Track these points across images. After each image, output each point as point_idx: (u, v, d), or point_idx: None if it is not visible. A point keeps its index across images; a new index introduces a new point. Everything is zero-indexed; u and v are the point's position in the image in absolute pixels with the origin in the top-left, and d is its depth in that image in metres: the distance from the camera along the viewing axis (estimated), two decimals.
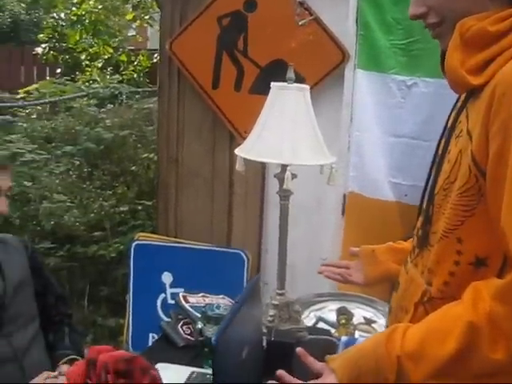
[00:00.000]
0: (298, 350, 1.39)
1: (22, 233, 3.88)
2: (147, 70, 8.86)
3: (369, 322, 2.26)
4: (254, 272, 3.13)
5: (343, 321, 2.42)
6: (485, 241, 1.14)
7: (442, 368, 1.08)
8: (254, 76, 2.96)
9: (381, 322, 2.20)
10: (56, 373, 1.83)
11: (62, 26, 9.20)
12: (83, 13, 8.66)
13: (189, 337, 1.87)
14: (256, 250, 3.13)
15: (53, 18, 9.40)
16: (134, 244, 3.28)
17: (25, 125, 5.68)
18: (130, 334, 3.28)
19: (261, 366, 1.56)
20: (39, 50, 9.04)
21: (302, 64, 2.82)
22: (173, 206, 3.23)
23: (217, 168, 3.12)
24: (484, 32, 1.15)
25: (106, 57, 8.82)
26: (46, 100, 6.32)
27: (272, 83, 1.89)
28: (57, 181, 4.23)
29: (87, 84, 7.77)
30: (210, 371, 1.65)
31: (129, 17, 8.44)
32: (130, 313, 3.28)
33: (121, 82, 8.08)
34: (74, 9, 8.76)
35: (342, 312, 2.45)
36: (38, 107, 6.81)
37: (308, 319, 2.66)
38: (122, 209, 3.95)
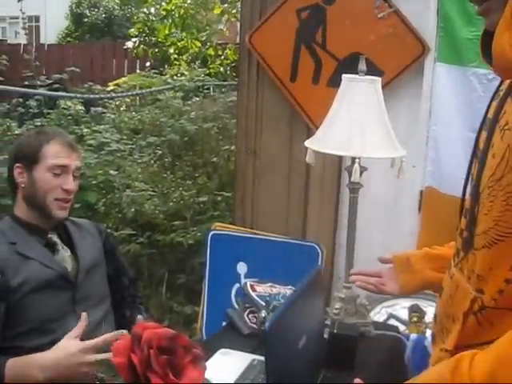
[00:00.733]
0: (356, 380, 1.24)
1: (105, 219, 4.04)
2: (234, 63, 8.98)
3: None
4: (328, 265, 3.12)
5: (415, 319, 2.39)
6: None
7: None
8: (332, 69, 2.94)
9: None
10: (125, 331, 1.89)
11: (152, 20, 9.46)
12: (172, 7, 8.87)
13: (254, 325, 1.89)
14: (330, 243, 3.12)
15: (143, 13, 9.67)
16: (210, 233, 3.34)
17: (113, 116, 5.90)
18: (204, 322, 3.35)
19: (321, 357, 1.57)
20: (130, 44, 9.34)
21: (380, 57, 2.79)
22: (250, 197, 3.27)
23: (294, 160, 3.13)
24: None
25: (194, 51, 8.99)
26: (134, 92, 6.52)
27: (343, 75, 1.88)
28: (139, 169, 4.36)
29: (174, 77, 7.96)
30: None
31: (217, 11, 8.56)
32: (205, 301, 3.35)
33: (208, 75, 8.23)
34: (163, 4, 8.98)
35: (414, 310, 2.42)
36: (127, 99, 7.06)
37: (379, 315, 2.64)
38: (201, 199, 4.02)
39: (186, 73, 8.30)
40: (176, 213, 3.93)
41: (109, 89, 7.43)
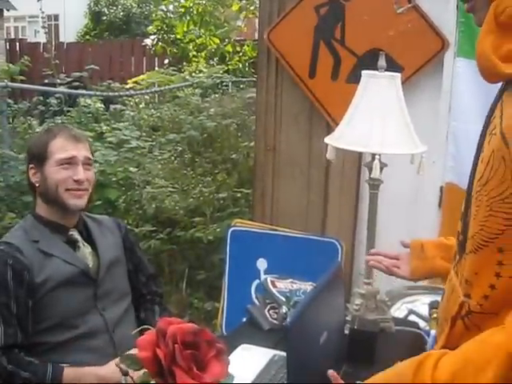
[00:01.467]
0: (330, 372, 1.27)
1: (126, 216, 4.07)
2: (252, 60, 9.00)
3: None
4: (348, 262, 3.12)
5: (435, 315, 2.38)
6: None
7: None
8: (351, 65, 2.94)
9: None
10: None
11: (171, 17, 9.50)
12: (191, 4, 8.90)
13: (275, 321, 1.90)
14: (350, 240, 3.12)
15: (162, 10, 9.72)
16: (230, 230, 3.36)
17: (132, 113, 5.94)
18: (224, 318, 3.36)
19: (341, 353, 1.58)
20: (148, 41, 9.39)
21: (400, 53, 2.78)
22: (269, 193, 3.28)
23: (313, 157, 3.13)
24: None
25: (213, 47, 9.02)
26: (153, 89, 6.56)
27: (363, 71, 1.88)
28: (159, 166, 4.39)
29: (193, 74, 8.00)
30: None
31: (235, 8, 8.58)
32: (225, 297, 3.36)
33: (226, 71, 8.26)
34: (182, 1, 9.02)
35: (434, 306, 2.40)
36: (146, 96, 7.11)
37: (399, 311, 2.63)
38: (221, 195, 4.04)
39: (204, 70, 8.34)
40: (196, 209, 3.96)
41: (127, 86, 7.49)
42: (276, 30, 3.06)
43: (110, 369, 1.75)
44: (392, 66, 2.70)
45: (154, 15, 10.05)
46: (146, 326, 1.67)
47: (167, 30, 9.35)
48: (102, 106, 6.01)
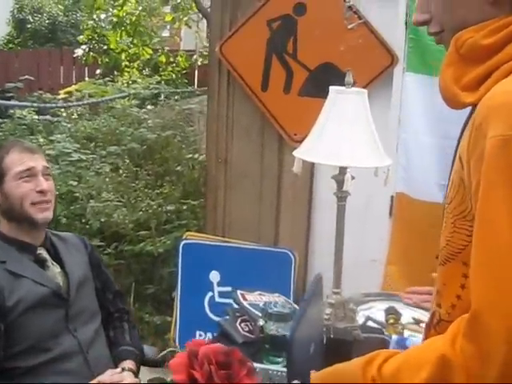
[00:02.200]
0: None
1: (68, 231, 3.98)
2: (185, 70, 8.98)
3: (417, 321, 2.28)
4: (301, 272, 3.17)
5: (391, 320, 2.45)
6: None
7: None
8: (303, 79, 3.00)
9: None
10: (119, 369, 1.91)
11: (102, 27, 9.37)
12: (124, 14, 8.80)
13: (247, 334, 1.91)
14: (303, 250, 3.17)
15: (93, 19, 9.56)
16: (182, 243, 3.35)
17: (69, 125, 5.81)
18: (178, 332, 3.35)
19: (322, 362, 1.60)
20: (79, 51, 9.22)
21: (351, 67, 2.84)
22: (221, 205, 3.29)
23: (265, 169, 3.17)
24: (478, 46, 1.09)
25: (145, 58, 8.95)
26: (90, 101, 6.44)
27: (330, 87, 1.93)
28: (106, 179, 4.32)
29: (127, 85, 7.91)
30: (270, 366, 1.70)
31: (168, 18, 8.54)
32: (178, 310, 3.35)
33: (159, 82, 8.22)
34: (114, 11, 8.91)
35: (390, 312, 2.47)
36: (78, 108, 6.96)
37: (357, 318, 2.69)
38: (168, 208, 4.02)
39: (138, 80, 8.26)
40: (144, 223, 3.91)
41: (59, 97, 7.32)
42: (228, 43, 3.08)
43: None
44: (343, 80, 2.80)
45: (84, 25, 9.86)
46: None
47: (99, 40, 9.20)
48: (38, 117, 5.85)
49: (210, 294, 3.30)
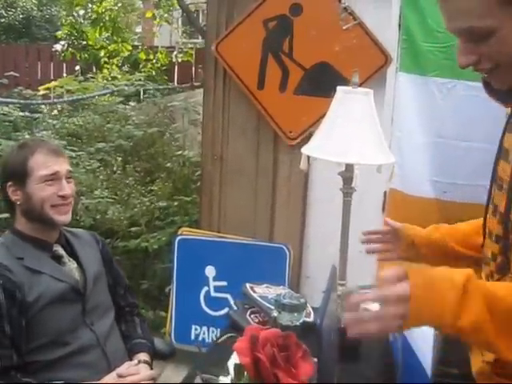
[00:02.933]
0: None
1: None
2: (165, 67, 8.99)
3: None
4: (296, 266, 3.25)
5: None
6: None
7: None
8: (299, 78, 3.07)
9: None
10: (135, 361, 1.96)
11: (81, 23, 9.32)
12: (103, 10, 8.78)
13: (257, 325, 1.98)
14: (298, 245, 3.25)
15: (72, 15, 9.51)
16: (177, 238, 3.40)
17: (54, 122, 5.80)
18: (173, 326, 3.40)
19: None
20: (58, 47, 9.16)
21: (345, 67, 2.94)
22: (217, 201, 3.35)
23: (261, 166, 3.24)
24: None
25: (125, 54, 8.94)
26: (75, 97, 6.43)
27: (338, 87, 2.00)
28: (100, 177, 4.34)
29: (106, 81, 7.89)
30: None
31: (148, 14, 8.54)
32: (173, 305, 3.40)
33: (138, 79, 8.20)
34: (93, 6, 8.88)
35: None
36: (58, 105, 6.93)
37: None
38: (161, 204, 4.06)
39: (118, 76, 8.25)
40: (137, 219, 3.95)
41: (40, 93, 7.28)
42: (224, 42, 3.14)
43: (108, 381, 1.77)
44: (338, 79, 2.88)
45: (64, 20, 9.79)
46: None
47: (78, 36, 9.16)
48: (23, 113, 5.83)
49: (205, 288, 3.36)
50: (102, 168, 4.58)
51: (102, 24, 8.63)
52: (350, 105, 1.95)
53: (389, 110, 2.97)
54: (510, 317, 1.10)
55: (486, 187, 1.46)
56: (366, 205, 3.11)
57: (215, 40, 3.18)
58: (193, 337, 3.39)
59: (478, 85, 2.89)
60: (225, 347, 1.84)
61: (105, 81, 8.07)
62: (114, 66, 9.00)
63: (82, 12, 9.34)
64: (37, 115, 6.30)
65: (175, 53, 8.85)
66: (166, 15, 8.33)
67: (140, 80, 7.94)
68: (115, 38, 9.07)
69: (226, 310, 2.36)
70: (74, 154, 4.46)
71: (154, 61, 8.90)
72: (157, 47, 9.48)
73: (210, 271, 3.36)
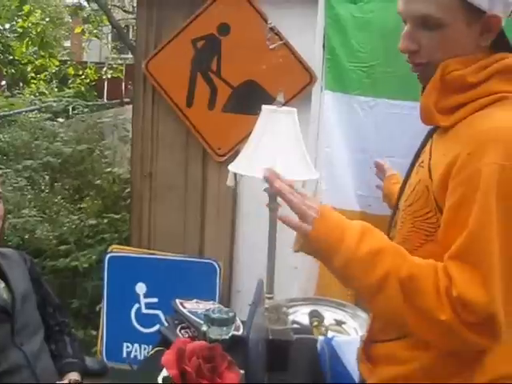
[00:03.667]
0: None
1: None
2: (94, 82, 8.91)
3: (339, 323, 2.44)
4: (226, 281, 3.29)
5: (315, 323, 2.61)
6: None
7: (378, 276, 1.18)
8: (227, 95, 3.13)
9: (350, 324, 2.39)
10: (66, 381, 1.96)
11: (7, 37, 9.13)
12: (29, 25, 8.64)
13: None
14: (228, 260, 3.29)
15: None
16: (108, 256, 3.38)
17: None
18: (105, 345, 3.37)
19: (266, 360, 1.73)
20: None
21: (272, 85, 3.02)
22: (146, 218, 3.36)
23: (190, 182, 3.27)
24: (463, 80, 1.24)
25: (53, 70, 8.81)
26: (2, 113, 6.29)
27: (263, 106, 2.06)
28: (28, 196, 4.26)
29: (33, 97, 7.76)
30: None
31: (77, 30, 8.46)
32: (104, 323, 3.38)
33: (67, 96, 8.11)
34: (19, 21, 8.71)
35: (314, 315, 2.64)
36: None
37: None
38: (90, 222, 4.03)
39: (46, 92, 8.13)
40: (66, 237, 3.90)
41: None
42: (154, 60, 3.17)
43: None
44: (265, 97, 2.95)
45: None
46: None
47: (3, 50, 8.96)
48: None
49: (136, 305, 3.35)
50: (29, 186, 4.49)
51: (28, 38, 8.48)
52: (274, 123, 2.02)
53: (314, 128, 3.07)
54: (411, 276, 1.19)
55: None
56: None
57: (144, 57, 3.20)
58: (125, 354, 3.37)
59: (398, 103, 3.06)
60: (156, 362, 1.86)
61: (32, 96, 7.95)
62: (41, 82, 8.87)
63: (7, 25, 9.15)
64: None
65: (105, 68, 8.79)
66: (95, 30, 8.26)
67: (69, 96, 7.87)
68: (43, 52, 8.93)
69: (157, 327, 2.36)
70: (0, 172, 4.37)
71: (83, 76, 8.82)
72: (86, 62, 9.40)
73: (140, 288, 3.35)
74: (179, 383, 1.05)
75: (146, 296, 3.35)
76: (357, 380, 1.79)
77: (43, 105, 6.64)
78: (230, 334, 1.86)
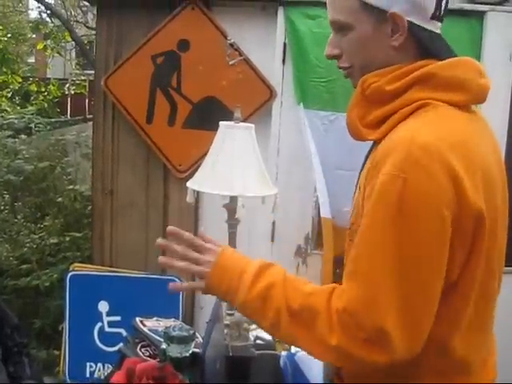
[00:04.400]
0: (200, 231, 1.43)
1: None
2: (57, 99, 8.84)
3: None
4: (189, 297, 3.27)
5: None
6: None
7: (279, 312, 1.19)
8: (187, 112, 3.13)
9: None
10: None
11: None
12: None
13: (149, 358, 1.99)
14: (190, 276, 3.25)
15: None
16: (69, 274, 3.34)
17: None
18: (67, 364, 3.31)
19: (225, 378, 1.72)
20: None
21: (232, 101, 3.03)
22: (108, 236, 3.33)
23: (151, 199, 3.26)
24: (381, 91, 1.24)
25: (15, 86, 8.72)
26: None
27: (220, 122, 2.06)
28: None
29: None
30: None
31: (40, 46, 8.39)
32: (67, 343, 3.32)
33: (30, 113, 8.02)
34: None
35: None
36: None
37: None
38: (51, 241, 3.97)
39: (8, 109, 8.03)
40: (28, 257, 3.84)
41: None
42: (113, 77, 3.16)
43: None
44: (225, 113, 2.96)
45: None
46: None
47: None
48: None
49: (99, 324, 3.31)
50: None
51: None
52: (232, 139, 2.02)
53: (275, 143, 3.09)
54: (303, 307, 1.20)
55: None
56: (255, 235, 3.20)
57: (104, 74, 3.19)
58: (88, 374, 3.31)
59: None
60: None
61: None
62: (3, 98, 8.77)
63: None
64: None
65: (68, 85, 8.72)
66: (58, 46, 8.21)
67: (32, 113, 7.79)
68: (5, 69, 8.84)
69: (120, 345, 2.33)
70: None
71: (46, 93, 8.74)
72: (49, 79, 9.32)
73: (103, 306, 3.31)
74: None
75: (108, 314, 3.31)
76: None
77: (5, 122, 6.54)
78: (190, 352, 1.85)
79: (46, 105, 8.49)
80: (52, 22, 8.14)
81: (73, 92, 8.83)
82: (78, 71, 10.94)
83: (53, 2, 8.26)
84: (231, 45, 3.04)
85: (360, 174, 1.36)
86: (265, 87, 3.06)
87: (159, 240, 1.33)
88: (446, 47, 1.29)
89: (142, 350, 2.05)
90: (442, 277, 1.15)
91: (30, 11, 12.13)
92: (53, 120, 7.59)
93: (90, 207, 4.17)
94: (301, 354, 2.20)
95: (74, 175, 5.36)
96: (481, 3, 2.94)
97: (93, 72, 9.37)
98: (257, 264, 1.27)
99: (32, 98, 8.58)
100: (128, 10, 3.15)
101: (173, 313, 3.13)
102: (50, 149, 5.51)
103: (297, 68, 2.98)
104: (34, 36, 10.86)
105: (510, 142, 2.93)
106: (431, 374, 1.23)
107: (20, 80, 8.74)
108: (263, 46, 3.05)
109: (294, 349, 2.33)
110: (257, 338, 2.79)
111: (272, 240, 3.18)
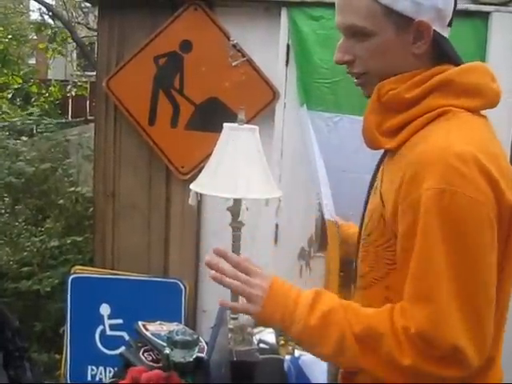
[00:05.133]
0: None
1: None
2: (58, 101, 8.82)
3: None
4: (192, 300, 3.24)
5: (282, 342, 2.59)
6: None
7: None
8: (190, 113, 3.11)
9: None
10: None
11: None
12: None
13: (151, 363, 1.96)
14: (193, 279, 3.25)
15: None
16: (71, 277, 3.32)
17: None
18: (68, 368, 3.29)
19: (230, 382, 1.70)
20: None
21: (235, 102, 3.00)
22: (110, 238, 3.30)
23: (153, 201, 3.23)
24: (400, 98, 1.22)
25: (16, 87, 8.70)
26: None
27: (224, 124, 2.04)
28: None
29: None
30: None
31: (41, 47, 8.37)
32: (68, 346, 3.30)
33: (31, 113, 8.00)
34: None
35: (280, 333, 2.62)
36: None
37: None
38: (52, 244, 3.95)
39: (8, 111, 8.01)
40: (29, 260, 3.81)
41: None
42: (115, 78, 3.13)
43: None
44: (228, 115, 2.93)
45: None
46: None
47: None
48: None
49: (100, 327, 3.28)
50: None
51: None
52: (235, 141, 2.00)
53: (278, 144, 3.06)
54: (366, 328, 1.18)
55: None
56: (258, 238, 3.17)
57: (106, 75, 3.16)
58: (89, 378, 3.29)
59: (361, 118, 3.06)
60: None
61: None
62: (4, 100, 8.74)
63: None
64: None
65: (69, 86, 8.70)
66: (59, 48, 8.18)
67: (33, 114, 7.76)
68: (5, 70, 8.83)
69: (122, 349, 2.31)
70: None
71: (47, 94, 8.72)
72: (50, 80, 9.30)
73: (104, 309, 3.29)
74: None
75: (110, 317, 3.29)
76: None
77: (6, 123, 6.52)
78: (193, 357, 1.82)
79: (47, 106, 8.45)
80: (54, 24, 8.12)
81: (74, 94, 8.80)
82: (78, 73, 10.94)
83: (54, 3, 8.27)
84: (234, 46, 3.01)
85: (374, 185, 1.33)
86: (268, 88, 3.04)
87: (207, 257, 1.28)
88: (455, 51, 1.28)
89: (145, 354, 2.02)
90: (496, 278, 1.16)
91: (31, 12, 12.16)
92: (54, 121, 7.55)
93: (91, 209, 4.16)
94: (305, 358, 2.19)
95: (75, 177, 5.34)
96: (485, 4, 2.92)
97: (94, 73, 9.38)
98: (311, 291, 1.25)
99: (33, 99, 8.55)
100: (130, 11, 3.12)
101: (175, 316, 3.11)
102: (52, 150, 5.48)
103: (300, 69, 2.96)
104: (35, 37, 10.86)
105: None
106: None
107: (20, 81, 8.71)
108: (266, 47, 3.03)
109: (297, 353, 2.32)
110: (260, 341, 2.77)
111: (275, 242, 3.15)
